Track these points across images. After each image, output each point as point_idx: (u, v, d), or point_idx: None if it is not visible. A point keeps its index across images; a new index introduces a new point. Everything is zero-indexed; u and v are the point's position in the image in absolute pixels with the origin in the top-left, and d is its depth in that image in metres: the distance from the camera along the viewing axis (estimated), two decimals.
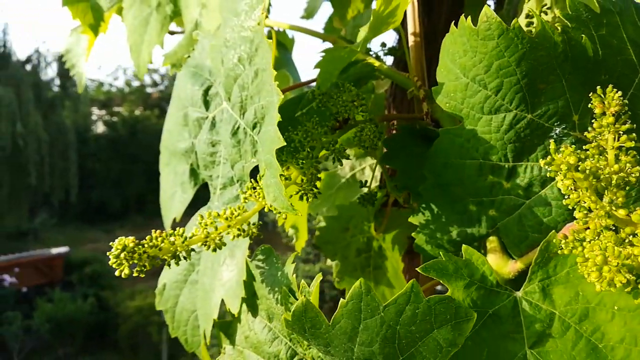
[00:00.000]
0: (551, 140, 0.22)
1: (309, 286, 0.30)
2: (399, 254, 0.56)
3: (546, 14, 0.38)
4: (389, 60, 0.56)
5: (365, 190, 0.51)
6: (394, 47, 0.53)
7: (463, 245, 0.29)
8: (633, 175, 0.23)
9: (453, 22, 0.30)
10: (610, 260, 0.22)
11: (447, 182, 0.34)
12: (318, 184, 0.37)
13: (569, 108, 0.29)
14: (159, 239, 0.32)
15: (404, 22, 0.47)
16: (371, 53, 0.51)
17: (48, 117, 11.30)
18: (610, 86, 0.24)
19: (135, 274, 0.31)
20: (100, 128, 14.28)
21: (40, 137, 10.63)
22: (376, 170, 0.58)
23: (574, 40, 0.28)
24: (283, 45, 0.79)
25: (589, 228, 0.24)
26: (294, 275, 0.31)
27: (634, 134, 0.24)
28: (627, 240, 0.23)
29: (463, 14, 0.54)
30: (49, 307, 6.92)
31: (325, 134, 0.37)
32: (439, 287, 0.36)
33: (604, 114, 0.25)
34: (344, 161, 0.68)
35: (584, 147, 0.25)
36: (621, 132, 0.24)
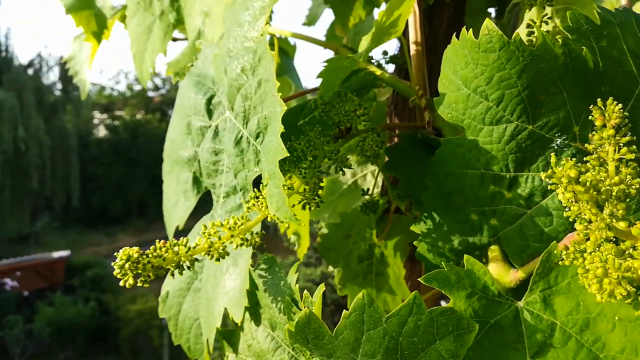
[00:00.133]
0: (552, 154, 0.23)
1: (310, 292, 0.30)
2: (400, 261, 0.56)
3: (547, 23, 0.39)
4: (391, 68, 0.56)
5: (367, 198, 0.51)
6: (395, 55, 0.54)
7: (465, 255, 0.29)
8: (633, 187, 0.24)
9: (455, 33, 0.31)
10: (610, 273, 0.22)
11: (448, 191, 0.34)
12: (320, 192, 0.37)
13: (569, 119, 0.29)
14: (163, 249, 0.32)
15: (405, 31, 0.48)
16: (373, 61, 0.52)
17: (50, 121, 11.35)
18: (611, 99, 0.25)
19: (139, 284, 0.32)
20: (101, 132, 14.33)
21: (42, 141, 10.66)
22: (378, 178, 0.58)
23: (574, 52, 0.28)
24: (285, 51, 0.79)
25: (589, 239, 0.24)
26: (297, 285, 0.32)
27: (634, 146, 0.24)
28: (627, 252, 0.23)
29: (464, 24, 0.55)
30: (50, 310, 6.92)
31: (328, 143, 0.38)
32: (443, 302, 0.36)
33: (604, 126, 0.25)
34: None
35: (584, 159, 0.25)
36: (621, 144, 0.24)
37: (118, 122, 14.30)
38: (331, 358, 0.25)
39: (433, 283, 0.27)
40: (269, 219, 0.35)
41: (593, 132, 0.25)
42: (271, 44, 0.52)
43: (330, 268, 0.59)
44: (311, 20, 0.83)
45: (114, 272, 0.31)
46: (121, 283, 0.31)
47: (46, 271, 8.33)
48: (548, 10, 0.40)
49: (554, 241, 0.28)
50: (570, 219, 0.23)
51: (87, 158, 12.63)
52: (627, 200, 0.23)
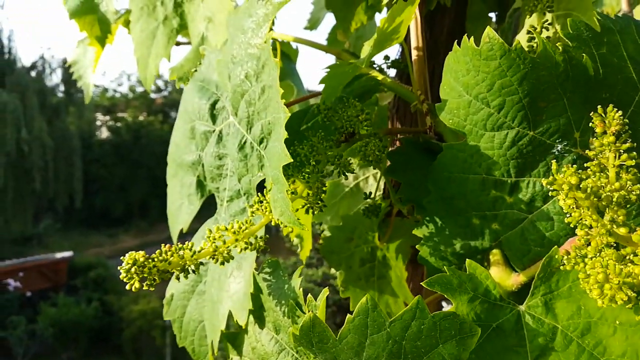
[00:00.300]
0: (553, 160, 0.23)
1: (312, 294, 0.31)
2: (402, 263, 0.57)
3: (547, 29, 0.39)
4: (392, 72, 0.56)
5: (370, 201, 0.52)
6: (397, 60, 0.54)
7: (467, 259, 0.29)
8: (634, 193, 0.24)
9: (456, 41, 0.31)
10: (611, 278, 0.22)
11: (450, 195, 0.34)
12: (323, 196, 0.37)
13: (570, 125, 0.29)
14: (169, 252, 0.33)
15: (406, 36, 0.48)
16: (375, 66, 0.52)
17: (52, 123, 11.40)
18: (611, 105, 0.25)
19: (145, 288, 0.32)
20: (104, 133, 14.38)
21: (45, 142, 10.71)
22: (380, 181, 0.59)
23: (575, 59, 0.28)
24: (287, 55, 0.80)
25: (590, 245, 0.24)
26: (301, 289, 0.32)
27: (634, 153, 0.25)
28: (628, 258, 0.23)
29: (465, 29, 0.55)
30: (53, 311, 6.95)
31: (331, 148, 0.38)
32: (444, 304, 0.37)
33: (604, 132, 0.25)
34: None
35: (585, 165, 0.25)
36: (622, 151, 0.25)
37: (120, 123, 14.35)
38: None
39: (436, 287, 0.28)
40: (272, 223, 0.35)
41: (593, 139, 0.25)
42: (274, 49, 0.52)
43: (332, 269, 0.59)
44: (313, 25, 0.83)
45: (121, 276, 0.31)
46: (127, 287, 0.31)
47: (49, 272, 8.36)
48: (548, 16, 0.40)
49: (555, 246, 0.28)
50: (572, 225, 0.24)
51: (90, 160, 12.68)
52: (628, 206, 0.24)
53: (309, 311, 0.29)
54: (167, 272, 0.33)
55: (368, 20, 0.66)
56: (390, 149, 0.44)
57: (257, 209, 0.36)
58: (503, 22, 0.55)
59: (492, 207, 0.33)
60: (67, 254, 8.88)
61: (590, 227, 0.24)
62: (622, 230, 0.23)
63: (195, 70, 0.49)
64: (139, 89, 15.03)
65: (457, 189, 0.34)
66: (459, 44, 0.30)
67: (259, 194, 0.37)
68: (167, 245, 0.33)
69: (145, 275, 0.31)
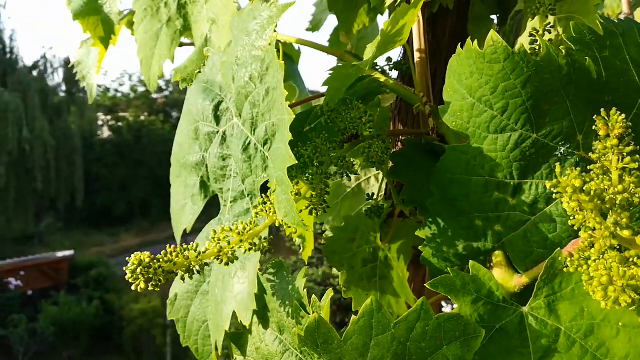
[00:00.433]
0: (557, 164, 0.23)
1: (313, 292, 0.31)
2: (404, 264, 0.57)
3: (549, 32, 0.39)
4: (394, 74, 0.57)
5: (372, 202, 0.52)
6: (399, 61, 0.54)
7: (470, 261, 0.30)
8: (637, 195, 0.24)
9: (460, 44, 0.31)
10: (615, 280, 0.23)
11: (453, 197, 0.34)
12: (326, 197, 0.37)
13: (573, 128, 0.29)
14: (174, 253, 0.33)
15: (409, 38, 0.49)
16: (377, 68, 0.52)
17: (54, 122, 11.42)
18: (614, 109, 0.25)
19: (150, 288, 0.32)
20: (105, 133, 14.41)
21: (47, 142, 10.74)
22: (382, 182, 0.59)
23: (578, 62, 0.29)
24: (289, 57, 0.80)
25: (593, 247, 0.24)
26: (305, 290, 0.32)
27: (637, 155, 0.25)
28: (631, 260, 0.23)
29: (467, 31, 0.55)
30: (54, 310, 6.96)
31: (334, 149, 0.38)
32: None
33: (608, 135, 0.25)
34: None
35: (588, 167, 0.25)
36: (625, 154, 0.25)
37: (122, 123, 14.38)
38: None
39: (439, 288, 0.28)
40: (276, 224, 0.36)
41: (597, 141, 0.26)
42: (277, 50, 0.52)
43: (333, 269, 0.59)
44: (315, 26, 0.83)
45: (126, 277, 0.31)
46: (133, 287, 0.32)
47: (50, 271, 8.38)
48: (551, 19, 0.41)
49: (559, 248, 0.28)
50: (575, 228, 0.24)
51: (91, 159, 12.71)
52: (631, 209, 0.24)
53: (313, 312, 0.29)
54: (172, 272, 0.33)
55: (370, 22, 0.66)
56: (392, 151, 0.44)
57: (261, 210, 0.36)
58: (505, 24, 0.55)
59: (495, 209, 0.33)
60: (69, 252, 8.90)
61: (594, 230, 0.24)
62: (626, 233, 0.23)
63: (199, 72, 0.50)
64: (141, 89, 15.06)
65: (460, 191, 0.34)
66: (461, 46, 0.31)
67: (263, 195, 0.37)
68: (172, 246, 0.33)
69: (151, 275, 0.32)
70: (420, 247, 0.36)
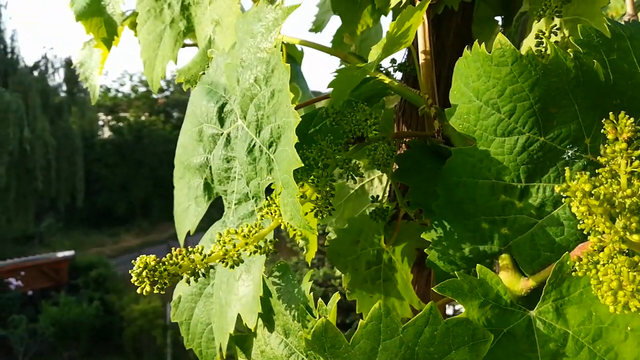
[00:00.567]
0: (566, 168, 0.23)
1: (315, 294, 0.31)
2: (408, 266, 0.57)
3: (555, 34, 0.39)
4: (398, 75, 0.57)
5: (377, 204, 0.52)
6: (403, 63, 0.54)
7: (477, 264, 0.30)
8: None
9: (467, 46, 0.31)
10: (625, 285, 0.23)
11: (459, 199, 0.34)
12: (331, 199, 0.37)
13: (581, 131, 0.29)
14: (179, 256, 0.33)
15: (414, 40, 0.48)
16: (381, 69, 0.52)
17: (55, 122, 11.43)
18: (623, 112, 0.25)
19: (156, 291, 0.32)
20: (106, 133, 14.42)
21: (47, 142, 10.75)
22: (385, 183, 0.59)
23: (585, 65, 0.29)
24: (292, 58, 0.80)
25: (602, 251, 0.24)
26: (311, 293, 0.32)
27: None
28: None
29: (472, 33, 0.55)
30: (54, 310, 6.96)
31: (339, 151, 0.38)
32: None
33: (616, 139, 0.25)
34: None
35: (596, 171, 0.25)
36: (633, 157, 0.25)
37: (123, 123, 14.38)
38: None
39: (447, 292, 0.28)
40: (282, 227, 0.35)
41: (605, 145, 0.26)
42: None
43: (334, 270, 0.59)
44: (318, 27, 0.83)
45: (132, 280, 0.31)
46: (139, 290, 0.32)
47: (50, 271, 8.38)
48: (556, 21, 0.41)
49: (567, 252, 0.28)
50: (585, 232, 0.24)
51: (92, 159, 12.72)
52: None
53: (319, 316, 0.29)
54: (178, 275, 0.33)
55: (373, 23, 0.66)
56: (397, 153, 0.44)
57: (267, 213, 0.36)
58: (509, 25, 0.55)
59: (502, 212, 0.33)
60: (69, 253, 8.90)
61: (603, 234, 0.24)
62: (635, 237, 0.23)
63: (203, 73, 0.49)
64: (141, 89, 15.06)
65: (466, 193, 0.34)
66: (468, 48, 0.31)
67: (268, 197, 0.37)
68: (178, 249, 0.33)
69: (156, 278, 0.32)
70: (425, 250, 0.36)
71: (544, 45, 0.38)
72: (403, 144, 0.54)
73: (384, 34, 0.80)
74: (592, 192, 0.23)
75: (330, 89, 0.43)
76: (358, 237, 0.57)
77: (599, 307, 0.27)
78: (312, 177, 0.36)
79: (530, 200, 0.32)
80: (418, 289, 0.62)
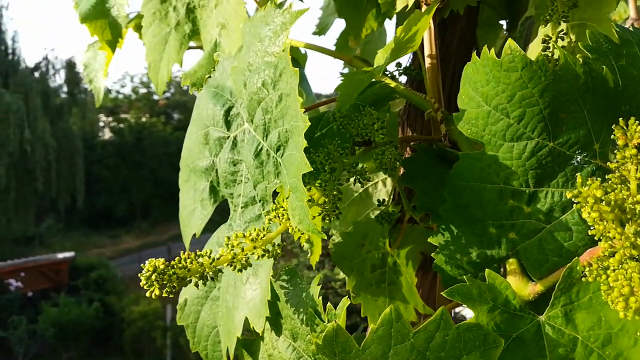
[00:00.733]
0: (578, 174, 0.23)
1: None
2: (412, 270, 0.57)
3: (562, 39, 0.39)
4: (403, 78, 0.57)
5: (382, 208, 0.52)
6: (408, 67, 0.55)
7: (486, 269, 0.30)
8: None
9: (475, 51, 0.31)
10: (636, 291, 0.23)
11: (466, 204, 0.34)
12: (338, 203, 0.37)
13: (590, 137, 0.29)
14: (188, 260, 0.33)
15: (420, 44, 0.49)
16: (387, 73, 0.52)
17: (55, 123, 11.44)
18: (633, 118, 0.25)
19: (164, 294, 0.32)
20: (107, 134, 14.43)
21: (48, 143, 10.75)
22: (390, 187, 0.59)
23: (595, 71, 0.29)
24: (296, 61, 0.80)
25: (613, 256, 0.24)
26: (320, 297, 0.32)
27: None
28: None
29: (476, 37, 0.55)
30: (54, 311, 6.95)
31: (346, 155, 0.38)
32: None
33: (626, 145, 0.25)
34: None
35: (605, 177, 0.25)
36: None
37: (123, 124, 14.39)
38: None
39: (456, 297, 0.28)
40: (290, 231, 0.35)
41: (615, 151, 0.26)
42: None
43: (334, 272, 0.59)
44: (322, 30, 0.84)
45: (141, 283, 0.31)
46: (147, 294, 0.32)
47: (50, 272, 8.37)
48: (563, 25, 0.41)
49: (576, 257, 0.28)
50: (596, 238, 0.24)
51: (92, 160, 12.72)
52: None
53: (329, 320, 0.29)
54: (186, 278, 0.33)
55: (378, 27, 0.66)
56: (404, 157, 0.44)
57: (274, 216, 0.36)
58: (514, 29, 0.55)
59: (510, 217, 0.33)
60: (69, 254, 8.90)
61: (614, 239, 0.24)
62: None
63: (209, 77, 0.50)
64: (142, 91, 15.08)
65: (473, 198, 0.34)
66: (470, 52, 0.31)
67: (276, 201, 0.37)
68: (187, 253, 0.33)
69: (165, 282, 0.32)
70: (432, 254, 0.36)
71: (550, 50, 0.38)
72: (408, 148, 0.54)
73: (387, 37, 0.80)
74: (603, 198, 0.23)
75: (333, 92, 0.43)
76: (363, 241, 0.57)
77: (608, 312, 0.27)
78: (319, 180, 0.37)
79: (539, 205, 0.32)
80: (422, 292, 0.62)
